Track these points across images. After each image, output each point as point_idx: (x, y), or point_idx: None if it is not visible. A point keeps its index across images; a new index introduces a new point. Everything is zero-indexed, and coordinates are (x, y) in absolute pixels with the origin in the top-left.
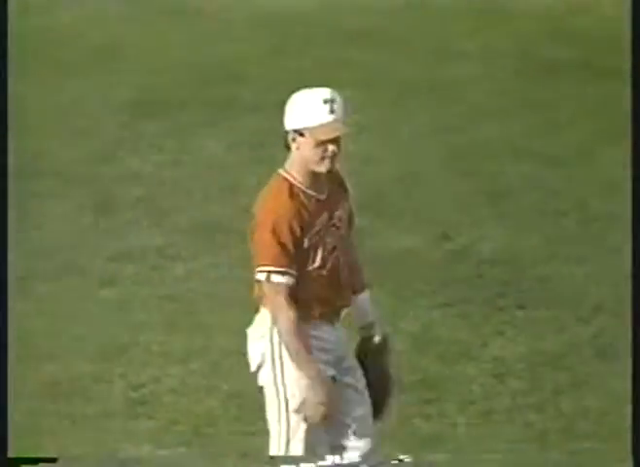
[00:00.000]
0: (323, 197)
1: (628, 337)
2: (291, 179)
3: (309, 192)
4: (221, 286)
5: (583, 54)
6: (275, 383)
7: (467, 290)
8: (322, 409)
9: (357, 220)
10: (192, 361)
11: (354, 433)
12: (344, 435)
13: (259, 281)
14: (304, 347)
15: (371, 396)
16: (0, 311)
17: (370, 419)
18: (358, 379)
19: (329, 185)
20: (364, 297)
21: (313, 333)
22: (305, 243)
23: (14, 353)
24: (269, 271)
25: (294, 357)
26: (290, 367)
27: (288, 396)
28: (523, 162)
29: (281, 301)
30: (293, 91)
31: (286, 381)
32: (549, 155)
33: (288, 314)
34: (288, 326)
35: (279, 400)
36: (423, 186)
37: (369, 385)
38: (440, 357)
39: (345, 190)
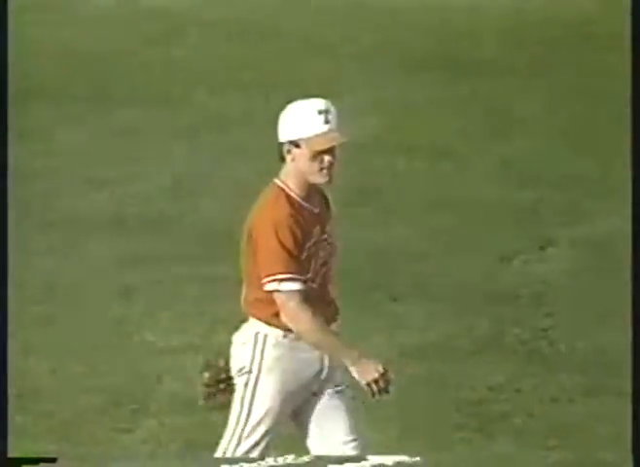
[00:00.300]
0: (317, 210)
1: (506, 330)
2: (287, 190)
3: (305, 204)
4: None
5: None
6: (245, 389)
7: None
8: (375, 369)
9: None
10: None
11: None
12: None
13: (269, 291)
14: (334, 340)
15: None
16: (0, 311)
17: (339, 433)
18: (334, 395)
19: (319, 199)
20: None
21: (293, 344)
22: (304, 254)
23: (14, 353)
24: (280, 280)
25: (332, 353)
26: (264, 381)
27: (253, 406)
28: (394, 156)
29: (296, 307)
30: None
31: (256, 391)
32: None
33: (307, 316)
34: (311, 327)
35: (243, 406)
36: None
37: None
38: None
39: (329, 207)
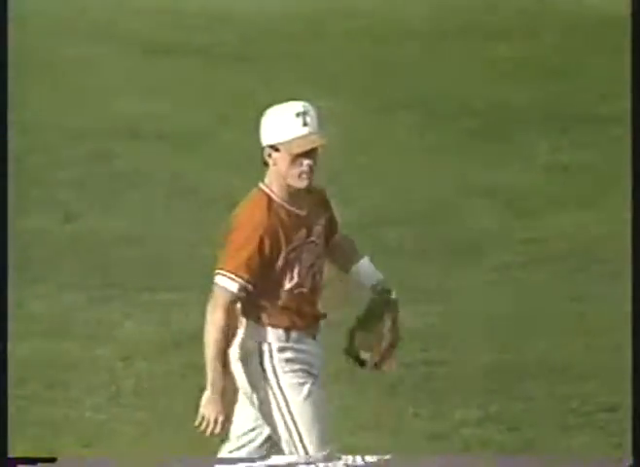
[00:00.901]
0: (303, 213)
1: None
2: (271, 194)
3: (289, 207)
4: None
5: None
6: (276, 400)
7: (92, 272)
8: (211, 415)
9: None
10: None
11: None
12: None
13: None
14: (222, 353)
15: (381, 347)
16: (0, 311)
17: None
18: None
19: (309, 199)
20: (365, 261)
21: (296, 346)
22: (280, 261)
23: (13, 353)
24: (221, 274)
25: (209, 358)
26: (292, 396)
27: (292, 408)
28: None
29: (217, 305)
30: None
31: (286, 395)
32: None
33: (217, 319)
34: (212, 330)
35: (283, 415)
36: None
37: (381, 337)
38: (70, 340)
39: (326, 201)
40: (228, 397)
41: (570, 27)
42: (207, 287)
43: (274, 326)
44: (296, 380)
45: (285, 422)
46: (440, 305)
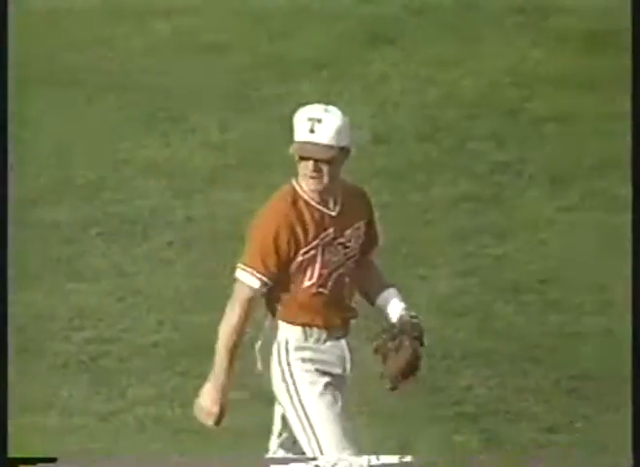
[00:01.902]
0: (333, 213)
1: None
2: (298, 189)
3: (316, 205)
4: None
5: None
6: (292, 402)
7: None
8: (205, 405)
9: None
10: None
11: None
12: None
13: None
14: (233, 348)
15: (404, 370)
16: (0, 311)
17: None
18: (338, 400)
19: (345, 203)
20: (389, 292)
21: (314, 346)
22: (299, 257)
23: (13, 353)
24: (242, 268)
25: (219, 349)
26: (302, 382)
27: (308, 411)
28: None
29: (236, 299)
30: None
31: (301, 397)
32: None
33: (234, 315)
34: (227, 325)
35: (300, 418)
36: None
37: (404, 361)
38: None
39: (367, 205)
40: (226, 392)
41: None
42: None
43: (291, 323)
44: (311, 380)
45: (302, 423)
46: (109, 282)
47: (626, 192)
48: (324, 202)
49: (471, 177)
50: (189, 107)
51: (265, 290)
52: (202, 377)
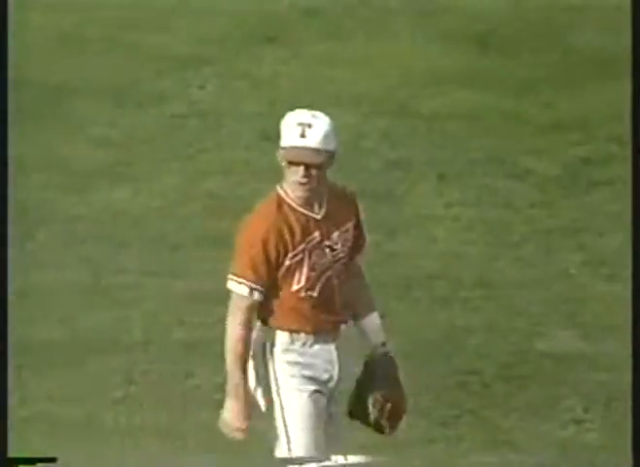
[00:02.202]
0: (318, 216)
1: None
2: (283, 194)
3: (301, 209)
4: None
5: None
6: (276, 415)
7: None
8: (231, 421)
9: None
10: None
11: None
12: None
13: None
14: (240, 359)
15: (386, 411)
16: (1, 311)
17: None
18: (338, 404)
19: (331, 205)
20: (372, 318)
21: (301, 350)
22: (287, 261)
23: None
24: (234, 280)
25: (227, 363)
26: (288, 398)
27: (286, 414)
28: None
29: (234, 311)
30: None
31: (285, 415)
32: None
33: (235, 325)
34: (232, 337)
35: (278, 417)
36: None
37: (386, 400)
38: None
39: (355, 207)
40: (248, 404)
41: None
42: None
43: (279, 328)
44: (294, 385)
45: (279, 425)
46: None
47: (512, 188)
48: (309, 206)
49: (363, 174)
50: (74, 102)
51: (258, 297)
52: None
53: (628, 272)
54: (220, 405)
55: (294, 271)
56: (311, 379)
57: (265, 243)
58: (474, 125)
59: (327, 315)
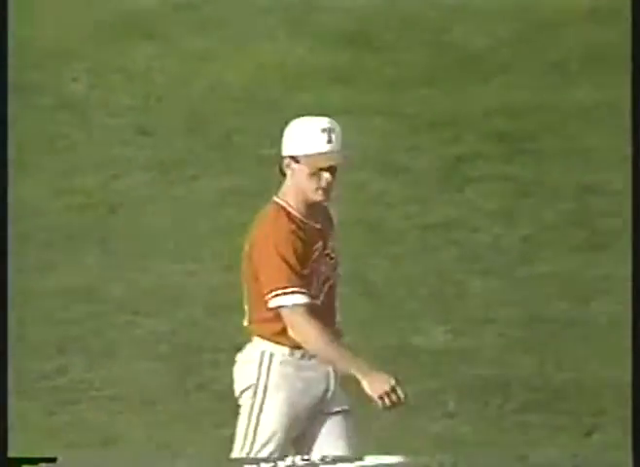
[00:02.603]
0: (319, 225)
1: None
2: (287, 206)
3: (305, 220)
4: None
5: None
6: (251, 410)
7: None
8: (382, 387)
9: None
10: None
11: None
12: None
13: (274, 308)
14: (344, 353)
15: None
16: (0, 311)
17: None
18: (337, 417)
19: (321, 213)
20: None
21: (298, 363)
22: (307, 270)
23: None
24: (284, 294)
25: (343, 367)
26: (271, 400)
27: (259, 428)
28: None
29: (303, 321)
30: None
31: (262, 412)
32: None
33: (315, 330)
34: (319, 340)
35: (249, 427)
36: None
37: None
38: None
39: (332, 223)
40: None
41: None
42: None
43: (278, 342)
44: (282, 396)
45: (247, 427)
46: None
47: (383, 187)
48: (311, 216)
49: (236, 171)
50: None
51: (309, 301)
52: None
53: (502, 267)
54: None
55: (306, 280)
56: (304, 393)
57: (295, 251)
58: (347, 123)
59: (327, 325)
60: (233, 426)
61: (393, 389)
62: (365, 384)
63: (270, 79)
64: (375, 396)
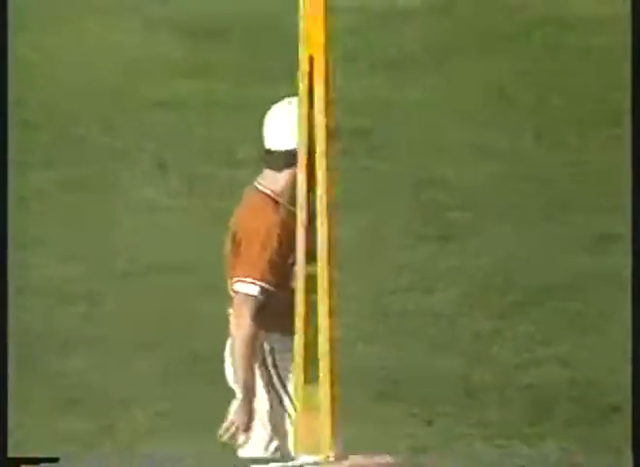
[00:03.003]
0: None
1: None
2: (274, 196)
3: (290, 207)
4: None
5: None
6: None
7: None
8: (239, 420)
9: None
10: None
11: None
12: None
13: (234, 291)
14: (249, 359)
15: None
16: (0, 311)
17: None
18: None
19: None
20: None
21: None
22: (290, 258)
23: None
24: (241, 281)
25: (236, 363)
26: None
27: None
28: None
29: (241, 311)
30: None
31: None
32: None
33: (244, 326)
34: (242, 337)
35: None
36: None
37: None
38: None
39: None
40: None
41: None
42: None
43: (277, 330)
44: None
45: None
46: None
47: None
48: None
49: (76, 163)
50: None
51: (265, 298)
52: None
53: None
54: None
55: (291, 268)
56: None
57: (279, 245)
58: (194, 115)
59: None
60: None
61: (242, 429)
62: (233, 405)
63: (110, 68)
64: (228, 421)
